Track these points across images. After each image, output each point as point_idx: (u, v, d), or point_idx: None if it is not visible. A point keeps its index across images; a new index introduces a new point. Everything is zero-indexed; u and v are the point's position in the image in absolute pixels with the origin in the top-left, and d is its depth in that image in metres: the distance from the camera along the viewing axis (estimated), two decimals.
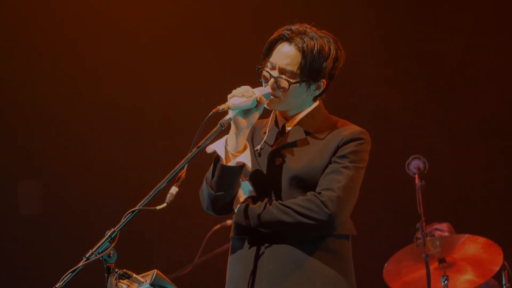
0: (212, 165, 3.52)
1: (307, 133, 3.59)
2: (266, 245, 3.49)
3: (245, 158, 3.46)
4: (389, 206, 7.65)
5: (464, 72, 7.73)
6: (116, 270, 3.02)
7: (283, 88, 3.52)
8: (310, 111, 3.64)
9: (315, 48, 3.51)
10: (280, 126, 3.66)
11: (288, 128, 3.63)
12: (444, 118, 7.79)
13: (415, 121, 7.74)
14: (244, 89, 3.43)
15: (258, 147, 3.63)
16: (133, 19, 7.82)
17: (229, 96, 3.41)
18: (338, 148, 3.52)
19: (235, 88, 3.45)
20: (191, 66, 7.84)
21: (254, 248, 3.51)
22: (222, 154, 3.47)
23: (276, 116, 3.70)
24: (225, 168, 3.46)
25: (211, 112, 3.31)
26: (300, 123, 3.62)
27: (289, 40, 3.54)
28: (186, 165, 3.22)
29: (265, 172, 3.57)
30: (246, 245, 3.53)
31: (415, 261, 6.01)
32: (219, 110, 3.35)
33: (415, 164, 6.16)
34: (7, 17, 7.77)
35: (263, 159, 3.59)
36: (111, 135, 7.83)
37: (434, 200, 6.94)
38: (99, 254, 2.98)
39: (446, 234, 6.40)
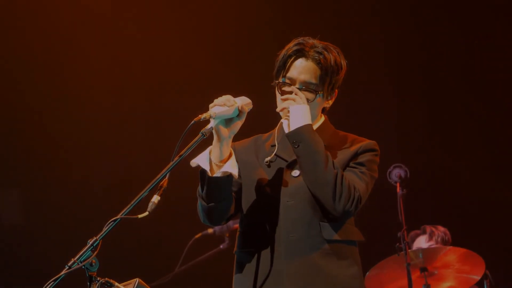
0: (200, 179, 3.53)
1: None
2: (281, 255, 3.51)
3: (230, 166, 3.47)
4: (370, 215, 7.64)
5: (446, 80, 7.76)
6: (98, 278, 3.02)
7: (308, 100, 3.56)
8: (320, 125, 3.70)
9: (332, 60, 3.59)
10: None
11: None
12: (426, 127, 7.82)
13: (397, 129, 7.76)
14: (226, 98, 3.44)
15: (268, 158, 3.65)
16: (124, 25, 7.81)
17: (210, 105, 3.42)
18: (356, 154, 3.62)
19: (217, 98, 3.46)
20: (175, 76, 7.83)
21: (268, 259, 3.52)
22: (206, 166, 3.48)
23: (283, 129, 3.69)
24: (212, 180, 3.47)
25: (193, 121, 3.31)
26: None
27: (304, 54, 3.60)
28: (168, 174, 3.22)
29: (276, 183, 3.60)
30: (255, 258, 3.55)
31: (397, 269, 6.01)
32: (200, 119, 3.35)
33: (396, 173, 6.17)
34: None
35: (272, 170, 3.63)
36: (91, 143, 7.80)
37: (416, 208, 6.96)
38: (81, 262, 2.99)
39: (441, 232, 6.41)
